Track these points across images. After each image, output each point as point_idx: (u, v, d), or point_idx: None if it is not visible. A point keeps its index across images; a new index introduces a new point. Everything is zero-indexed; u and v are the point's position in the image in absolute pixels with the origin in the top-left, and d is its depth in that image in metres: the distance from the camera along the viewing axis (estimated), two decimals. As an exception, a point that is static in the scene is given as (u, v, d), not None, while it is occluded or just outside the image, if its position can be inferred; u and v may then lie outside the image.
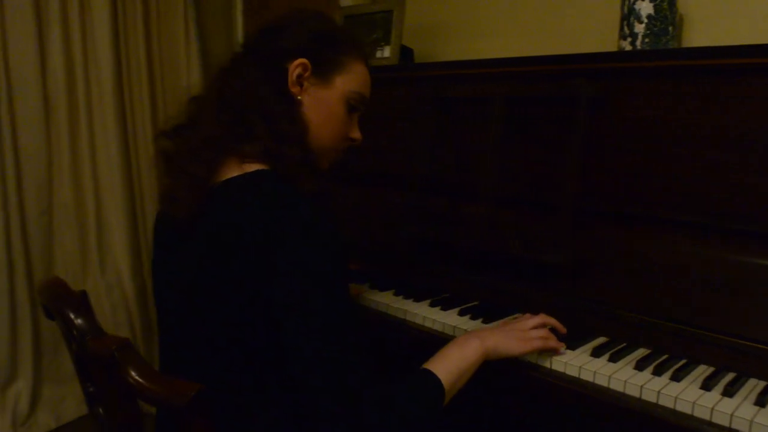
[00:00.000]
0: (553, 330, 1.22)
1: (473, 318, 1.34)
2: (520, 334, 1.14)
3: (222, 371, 0.97)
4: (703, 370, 1.11)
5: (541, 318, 1.21)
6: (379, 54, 1.84)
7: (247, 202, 0.94)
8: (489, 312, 1.36)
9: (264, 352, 0.94)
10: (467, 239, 1.48)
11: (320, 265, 0.90)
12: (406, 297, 1.47)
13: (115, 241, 2.55)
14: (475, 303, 1.44)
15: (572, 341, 1.21)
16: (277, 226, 0.89)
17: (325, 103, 1.08)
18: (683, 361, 1.14)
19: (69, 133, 2.41)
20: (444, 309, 1.40)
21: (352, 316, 0.93)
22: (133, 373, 0.82)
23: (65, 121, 2.40)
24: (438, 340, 1.30)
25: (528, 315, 1.23)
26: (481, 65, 1.53)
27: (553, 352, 1.17)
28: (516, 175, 1.49)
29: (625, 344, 1.22)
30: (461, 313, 1.37)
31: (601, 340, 1.25)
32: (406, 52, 1.88)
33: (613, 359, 1.14)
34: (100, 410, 0.97)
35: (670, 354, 1.17)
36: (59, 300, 0.92)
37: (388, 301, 1.45)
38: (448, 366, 1.03)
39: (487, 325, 1.30)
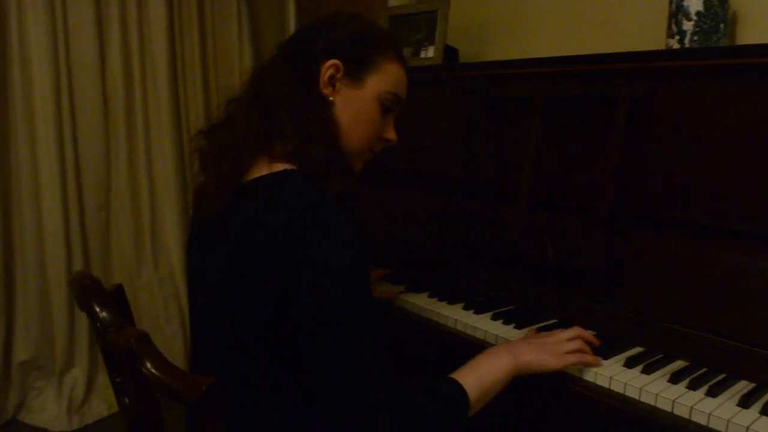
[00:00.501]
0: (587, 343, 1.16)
1: (506, 323, 1.32)
2: (555, 348, 1.09)
3: (245, 369, 0.99)
4: (743, 387, 1.05)
5: (575, 331, 1.14)
6: (423, 54, 1.83)
7: (271, 201, 0.95)
8: (522, 317, 1.33)
9: (286, 351, 0.95)
10: (502, 242, 1.45)
11: (340, 265, 0.90)
12: (441, 299, 1.46)
13: (169, 236, 2.63)
14: (510, 307, 1.41)
15: (606, 350, 1.17)
16: (299, 225, 0.90)
17: (357, 104, 1.08)
18: (722, 376, 1.08)
19: (126, 131, 2.51)
20: (477, 313, 1.37)
21: (371, 317, 0.92)
22: (148, 365, 0.83)
23: (123, 120, 2.49)
24: (468, 344, 1.29)
25: (562, 330, 1.16)
26: (520, 65, 1.49)
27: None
28: (553, 177, 1.45)
29: (661, 355, 1.16)
30: (494, 318, 1.34)
31: (636, 350, 1.19)
32: (451, 53, 1.86)
33: (647, 371, 1.09)
34: (126, 400, 0.99)
35: (710, 368, 1.11)
36: (86, 293, 0.95)
37: (421, 303, 1.44)
38: (477, 377, 1.00)
39: (519, 332, 1.27)
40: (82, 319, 2.46)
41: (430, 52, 1.80)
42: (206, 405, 0.82)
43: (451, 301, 1.44)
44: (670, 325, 1.18)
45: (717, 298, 1.14)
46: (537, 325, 1.29)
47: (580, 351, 1.11)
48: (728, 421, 0.93)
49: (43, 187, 2.35)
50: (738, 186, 1.18)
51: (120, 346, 0.87)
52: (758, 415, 0.95)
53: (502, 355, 1.05)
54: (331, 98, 1.06)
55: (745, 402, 0.98)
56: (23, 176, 2.32)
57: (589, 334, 1.17)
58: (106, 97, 2.45)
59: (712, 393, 1.01)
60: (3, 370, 2.33)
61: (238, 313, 0.97)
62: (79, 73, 2.39)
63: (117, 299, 1.14)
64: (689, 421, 0.97)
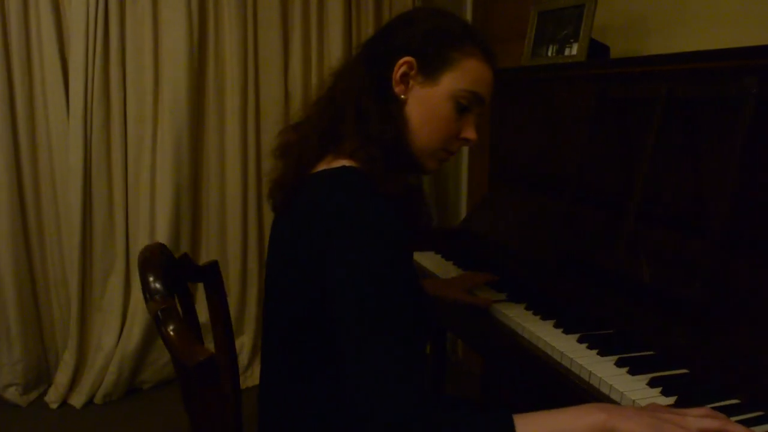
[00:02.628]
0: None
1: (590, 347, 1.19)
2: (674, 430, 0.84)
3: (283, 356, 1.03)
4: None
5: (719, 423, 0.86)
6: (567, 51, 1.71)
7: (320, 193, 0.98)
8: (611, 344, 1.19)
9: (319, 341, 0.97)
10: (607, 257, 1.31)
11: (374, 264, 0.89)
12: (536, 313, 1.37)
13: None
14: (603, 332, 1.27)
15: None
16: (339, 219, 0.92)
17: (429, 102, 1.06)
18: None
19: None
20: (566, 332, 1.26)
21: (404, 322, 0.88)
22: (169, 329, 0.91)
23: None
24: (545, 365, 1.19)
25: (703, 410, 0.89)
26: (644, 63, 1.33)
27: None
28: (666, 188, 1.28)
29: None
30: (580, 340, 1.23)
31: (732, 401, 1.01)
32: (600, 49, 1.71)
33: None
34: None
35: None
36: (145, 264, 1.04)
37: (512, 315, 1.37)
38: (544, 425, 0.85)
39: (601, 358, 1.14)
40: (252, 287, 2.72)
41: (573, 49, 1.68)
42: (198, 375, 0.87)
43: (545, 317, 1.34)
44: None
45: None
46: (623, 355, 1.15)
47: None
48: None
49: (227, 173, 2.64)
50: None
51: (151, 313, 0.95)
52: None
53: (594, 413, 0.86)
54: (403, 96, 1.05)
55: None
56: (212, 165, 2.63)
57: (736, 426, 0.87)
58: (288, 95, 2.66)
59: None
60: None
61: (281, 298, 1.02)
62: (265, 71, 2.62)
63: (206, 274, 1.26)
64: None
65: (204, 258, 2.73)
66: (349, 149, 1.02)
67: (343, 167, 1.00)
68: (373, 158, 1.00)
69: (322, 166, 1.03)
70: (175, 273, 1.14)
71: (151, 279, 1.01)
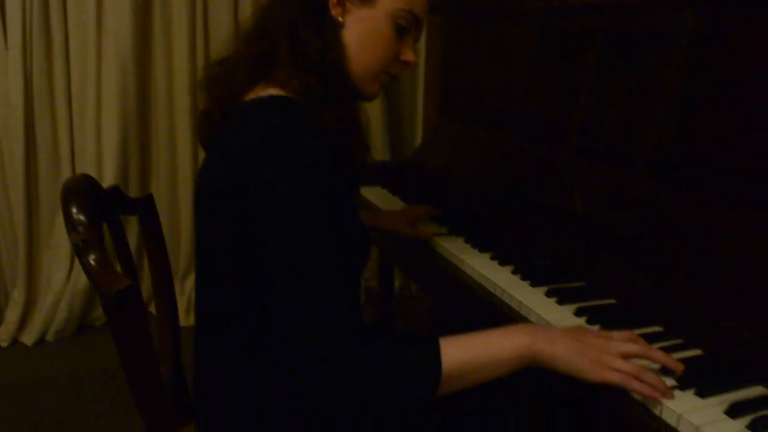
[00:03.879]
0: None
1: (524, 278, 1.21)
2: (599, 356, 0.85)
3: (216, 301, 1.02)
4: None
5: (641, 348, 0.88)
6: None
7: (247, 125, 0.95)
8: (544, 274, 1.21)
9: (252, 279, 0.96)
10: (544, 190, 1.32)
11: (303, 202, 0.87)
12: (474, 246, 1.38)
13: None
14: (541, 263, 1.29)
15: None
16: (267, 153, 0.89)
17: (368, 24, 1.03)
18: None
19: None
20: (501, 264, 1.28)
21: (337, 258, 0.87)
22: (90, 259, 0.89)
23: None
24: (481, 296, 1.20)
25: (625, 334, 0.91)
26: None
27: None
28: (604, 122, 1.28)
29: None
30: (515, 272, 1.24)
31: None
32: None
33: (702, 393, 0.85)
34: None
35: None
36: (67, 195, 1.01)
37: (451, 248, 1.37)
38: (469, 351, 0.86)
39: (532, 289, 1.16)
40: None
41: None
42: (119, 305, 0.86)
43: (482, 250, 1.36)
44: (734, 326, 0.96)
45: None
46: (554, 285, 1.17)
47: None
48: None
49: (176, 107, 2.58)
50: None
51: (73, 243, 0.93)
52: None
53: (520, 336, 0.87)
54: (340, 19, 1.02)
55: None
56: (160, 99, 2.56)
57: (667, 357, 0.88)
58: (238, 24, 2.58)
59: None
60: (137, 264, 2.62)
61: (207, 236, 1.00)
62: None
63: (139, 207, 1.24)
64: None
65: (156, 195, 2.68)
66: (281, 78, 0.98)
67: (272, 97, 0.97)
68: (309, 87, 0.97)
69: (250, 96, 1.00)
70: (102, 205, 1.11)
71: (73, 210, 0.98)
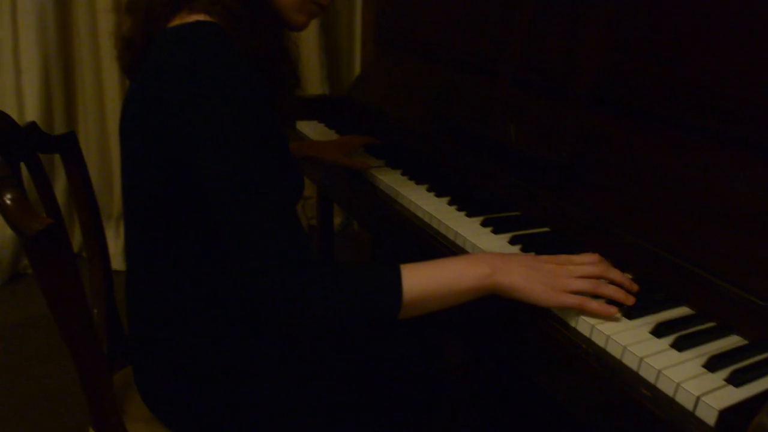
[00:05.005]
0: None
1: (459, 209, 1.21)
2: (555, 281, 0.87)
3: (148, 241, 0.98)
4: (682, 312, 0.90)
5: (598, 269, 0.90)
6: None
7: (173, 52, 0.90)
8: (480, 205, 1.22)
9: (182, 215, 0.93)
10: (479, 123, 1.32)
11: (234, 133, 0.83)
12: (411, 178, 1.37)
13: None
14: (478, 194, 1.30)
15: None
16: (194, 82, 0.84)
17: None
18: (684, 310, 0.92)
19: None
20: (438, 195, 1.28)
21: (274, 191, 0.85)
22: (5, 198, 0.84)
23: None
24: (418, 228, 1.20)
25: (588, 257, 0.93)
26: None
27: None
28: (542, 53, 1.27)
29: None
30: (451, 203, 1.25)
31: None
32: None
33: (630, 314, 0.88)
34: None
35: (659, 290, 0.96)
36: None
37: (387, 180, 1.36)
38: (430, 278, 0.87)
39: (469, 219, 1.17)
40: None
41: None
42: (38, 246, 0.82)
43: (419, 182, 1.35)
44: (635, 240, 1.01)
45: (692, 216, 0.96)
46: (489, 215, 1.18)
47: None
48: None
49: (101, 41, 2.44)
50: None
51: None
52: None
53: (480, 267, 0.88)
54: None
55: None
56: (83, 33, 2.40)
57: (623, 276, 0.91)
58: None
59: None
60: (67, 209, 2.53)
61: (136, 169, 0.96)
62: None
63: (61, 145, 1.18)
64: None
65: (83, 136, 2.57)
66: (205, 2, 0.93)
67: (198, 22, 0.92)
68: (233, 12, 0.92)
69: (175, 23, 0.94)
70: (19, 143, 1.05)
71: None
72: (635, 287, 0.91)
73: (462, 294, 0.88)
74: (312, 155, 1.49)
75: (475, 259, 0.91)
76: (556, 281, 0.87)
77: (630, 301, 0.87)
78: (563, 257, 0.93)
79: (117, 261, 2.59)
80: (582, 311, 0.86)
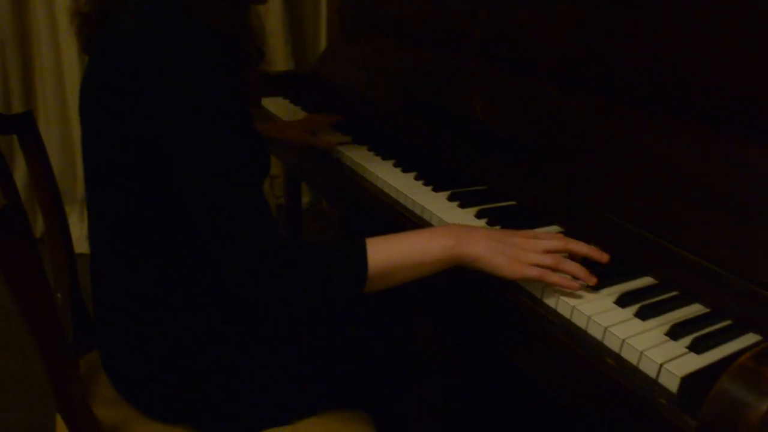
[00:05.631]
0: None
1: (426, 184, 1.21)
2: (518, 254, 0.88)
3: (111, 221, 0.95)
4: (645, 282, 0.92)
5: (562, 242, 0.91)
6: None
7: (132, 26, 0.87)
8: (447, 181, 1.22)
9: (146, 201, 0.90)
10: (445, 98, 1.32)
11: (200, 110, 0.81)
12: (377, 154, 1.36)
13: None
14: (444, 169, 1.29)
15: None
16: (156, 58, 0.82)
17: None
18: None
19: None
20: (404, 171, 1.28)
21: (242, 168, 0.84)
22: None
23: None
24: (385, 204, 1.20)
25: (551, 235, 0.95)
26: None
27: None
28: (506, 26, 1.27)
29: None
30: (417, 178, 1.24)
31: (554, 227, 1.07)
32: None
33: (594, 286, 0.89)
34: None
35: (623, 261, 0.97)
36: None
37: (354, 156, 1.35)
38: (395, 250, 0.88)
39: (435, 194, 1.17)
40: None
41: None
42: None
43: (385, 157, 1.35)
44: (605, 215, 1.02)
45: (654, 188, 0.97)
46: (456, 189, 1.18)
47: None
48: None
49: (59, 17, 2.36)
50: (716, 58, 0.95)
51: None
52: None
53: (445, 238, 0.89)
54: None
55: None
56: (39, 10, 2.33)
57: (589, 248, 0.91)
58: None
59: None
60: (30, 194, 2.47)
61: (97, 146, 0.93)
62: None
63: (17, 125, 1.14)
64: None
65: (44, 116, 2.51)
66: None
67: None
68: None
69: None
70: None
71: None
72: (605, 257, 0.91)
73: (427, 265, 0.88)
74: (278, 137, 1.47)
75: (440, 231, 0.91)
76: (520, 254, 0.88)
77: (591, 281, 0.87)
78: (528, 232, 0.94)
79: (83, 245, 2.54)
80: (544, 284, 0.87)
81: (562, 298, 0.85)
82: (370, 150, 1.39)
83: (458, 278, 0.92)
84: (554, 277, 0.86)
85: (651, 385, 0.72)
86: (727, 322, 0.82)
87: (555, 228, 1.07)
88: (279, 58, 2.78)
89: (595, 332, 0.80)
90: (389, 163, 1.31)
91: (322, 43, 2.85)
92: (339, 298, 0.87)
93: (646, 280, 0.92)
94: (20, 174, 2.44)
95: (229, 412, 0.98)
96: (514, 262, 0.87)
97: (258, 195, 0.85)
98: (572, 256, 0.91)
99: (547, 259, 0.88)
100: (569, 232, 1.04)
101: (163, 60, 0.82)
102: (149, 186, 0.89)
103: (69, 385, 0.96)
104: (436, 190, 1.18)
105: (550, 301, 0.86)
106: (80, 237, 2.58)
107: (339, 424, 1.02)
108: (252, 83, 1.05)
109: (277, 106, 1.76)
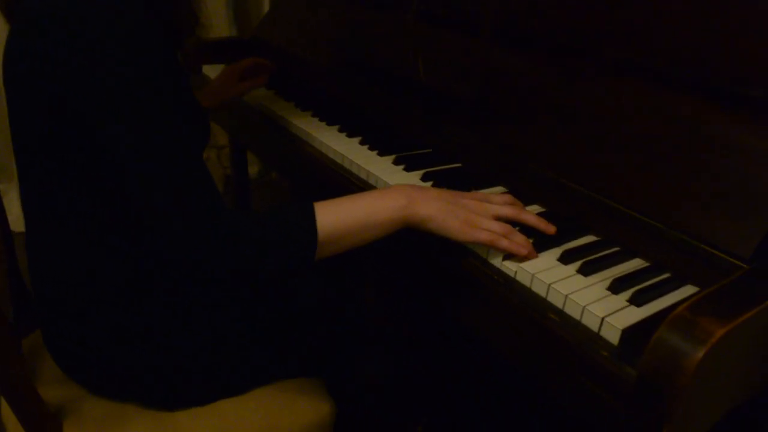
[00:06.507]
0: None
1: (371, 149, 1.21)
2: (470, 218, 0.88)
3: (43, 195, 0.92)
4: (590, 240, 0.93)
5: (513, 211, 0.91)
6: None
7: None
8: (392, 144, 1.21)
9: (80, 172, 0.87)
10: (385, 59, 1.30)
11: (127, 76, 0.77)
12: (322, 119, 1.35)
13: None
14: (389, 133, 1.29)
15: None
16: (80, 26, 0.77)
17: None
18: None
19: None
20: (349, 136, 1.27)
21: (181, 131, 0.81)
22: None
23: None
24: (331, 170, 1.19)
25: (504, 197, 0.94)
26: None
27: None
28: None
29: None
30: (362, 143, 1.24)
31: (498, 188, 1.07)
32: None
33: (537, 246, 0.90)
34: None
35: (560, 214, 0.98)
36: None
37: (298, 122, 1.33)
38: (344, 212, 0.87)
39: (380, 157, 1.16)
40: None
41: None
42: None
43: (330, 123, 1.34)
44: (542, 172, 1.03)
45: (595, 147, 0.98)
46: (401, 153, 1.17)
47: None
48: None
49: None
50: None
51: None
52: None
53: (395, 199, 0.88)
54: None
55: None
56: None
57: (538, 220, 0.91)
58: None
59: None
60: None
61: (25, 120, 0.89)
62: None
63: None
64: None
65: None
66: None
67: None
68: None
69: None
70: None
71: None
72: (552, 228, 0.92)
73: (378, 226, 0.88)
74: (216, 102, 1.44)
75: (390, 192, 0.90)
76: (472, 218, 0.88)
77: (533, 255, 0.87)
78: (481, 194, 0.94)
79: (21, 223, 2.45)
80: (493, 247, 0.87)
81: (507, 258, 0.86)
82: (314, 116, 1.37)
83: (405, 240, 0.92)
84: (503, 243, 0.86)
85: (594, 338, 0.74)
86: (666, 275, 0.85)
87: (500, 188, 1.08)
88: (221, 23, 2.70)
89: (539, 289, 0.81)
90: (334, 129, 1.30)
91: (265, 6, 2.78)
92: (290, 265, 0.85)
93: (588, 238, 0.94)
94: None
95: (180, 385, 0.97)
96: (466, 225, 0.87)
97: (198, 164, 0.83)
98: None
99: (497, 227, 0.87)
100: (513, 192, 1.05)
101: (89, 26, 0.77)
102: (81, 159, 0.86)
103: (11, 366, 0.93)
104: (381, 154, 1.18)
105: (496, 262, 0.87)
106: (19, 215, 2.49)
107: (292, 392, 1.02)
108: (187, 50, 1.01)
109: (218, 73, 1.71)
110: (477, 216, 0.88)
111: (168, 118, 0.81)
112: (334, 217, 0.86)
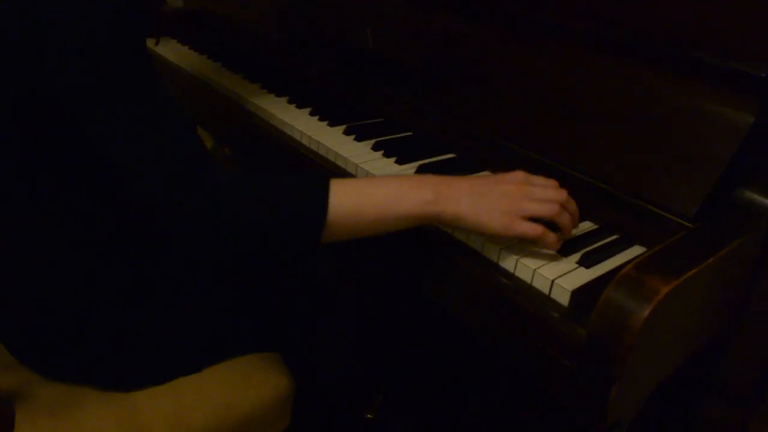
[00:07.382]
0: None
1: (321, 119, 1.19)
2: (510, 205, 0.77)
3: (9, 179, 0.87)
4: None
5: (563, 196, 0.80)
6: None
7: None
8: (343, 114, 1.20)
9: (44, 142, 0.82)
10: (332, 29, 1.28)
11: (94, 34, 0.73)
12: (270, 91, 1.33)
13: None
14: (339, 103, 1.27)
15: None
16: None
17: None
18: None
19: None
20: (299, 107, 1.25)
21: (157, 90, 0.78)
22: None
23: None
24: (283, 143, 1.17)
25: (544, 181, 0.82)
26: None
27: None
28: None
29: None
30: (312, 113, 1.22)
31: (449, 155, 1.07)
32: None
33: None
34: None
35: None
36: None
37: (247, 95, 1.30)
38: (364, 194, 0.77)
39: (331, 128, 1.15)
40: None
41: None
42: None
43: (279, 94, 1.31)
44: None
45: (543, 111, 0.99)
46: (352, 123, 1.16)
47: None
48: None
49: None
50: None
51: None
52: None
53: (421, 189, 0.77)
54: None
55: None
56: None
57: (575, 205, 0.82)
58: None
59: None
60: None
61: None
62: None
63: None
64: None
65: None
66: None
67: None
68: None
69: None
70: None
71: None
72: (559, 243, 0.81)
73: (397, 219, 0.78)
74: None
75: (418, 181, 0.79)
76: (512, 205, 0.77)
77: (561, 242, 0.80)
78: (521, 175, 0.81)
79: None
80: (539, 243, 0.79)
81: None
82: (263, 87, 1.34)
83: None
84: (551, 238, 0.77)
85: (544, 300, 0.75)
86: (615, 237, 0.86)
87: (451, 155, 1.08)
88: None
89: (490, 254, 0.82)
90: (283, 100, 1.28)
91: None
92: (287, 245, 0.76)
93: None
94: None
95: (135, 365, 0.95)
96: (506, 218, 0.76)
97: (180, 119, 0.78)
98: None
99: (545, 209, 0.77)
100: (464, 158, 1.05)
101: None
102: (47, 132, 0.81)
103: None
104: (332, 124, 1.16)
105: (447, 228, 0.87)
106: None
107: (251, 367, 1.02)
108: (154, 20, 0.96)
109: (163, 46, 1.66)
110: (518, 202, 0.77)
111: (145, 79, 0.77)
112: (351, 196, 0.76)
